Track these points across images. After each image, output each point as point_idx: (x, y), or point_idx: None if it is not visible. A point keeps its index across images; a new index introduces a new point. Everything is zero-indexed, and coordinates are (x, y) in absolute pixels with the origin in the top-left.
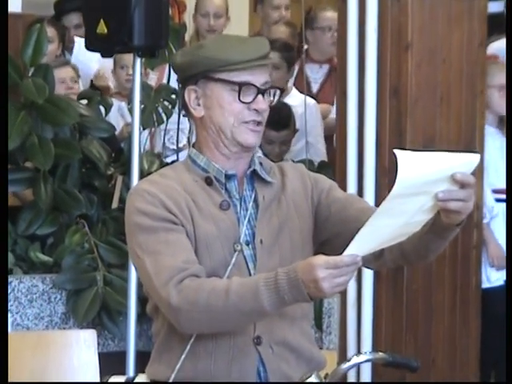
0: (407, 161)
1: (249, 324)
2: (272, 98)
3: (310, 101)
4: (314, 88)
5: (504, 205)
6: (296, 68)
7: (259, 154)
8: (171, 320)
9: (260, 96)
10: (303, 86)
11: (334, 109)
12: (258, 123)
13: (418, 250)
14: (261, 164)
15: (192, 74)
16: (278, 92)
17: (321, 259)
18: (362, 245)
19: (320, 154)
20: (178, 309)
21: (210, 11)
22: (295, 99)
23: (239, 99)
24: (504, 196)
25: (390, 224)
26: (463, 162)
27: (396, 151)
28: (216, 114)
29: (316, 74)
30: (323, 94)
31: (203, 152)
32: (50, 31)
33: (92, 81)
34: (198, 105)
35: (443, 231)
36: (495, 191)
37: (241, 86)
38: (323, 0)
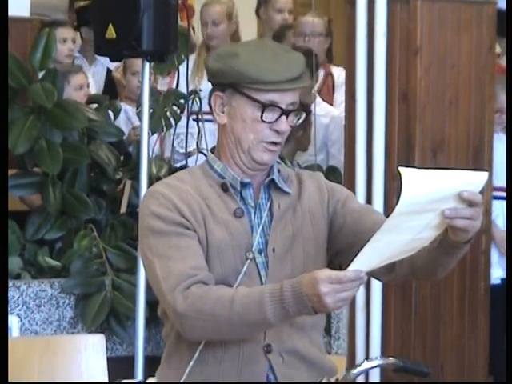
0: (412, 178)
1: (253, 334)
2: (296, 119)
3: (335, 112)
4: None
5: (503, 202)
6: (321, 74)
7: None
8: (176, 325)
9: (283, 117)
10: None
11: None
12: (276, 144)
13: (427, 265)
14: (279, 171)
15: (221, 82)
16: (304, 115)
17: (324, 274)
18: (366, 260)
19: (341, 165)
20: (182, 315)
21: (207, 20)
22: (319, 109)
23: (261, 119)
24: (502, 193)
25: (395, 240)
26: (471, 181)
27: (401, 169)
28: (237, 126)
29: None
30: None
31: (221, 158)
32: (68, 32)
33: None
34: (223, 112)
35: (451, 248)
36: (495, 188)
37: (265, 106)
38: (332, 5)
